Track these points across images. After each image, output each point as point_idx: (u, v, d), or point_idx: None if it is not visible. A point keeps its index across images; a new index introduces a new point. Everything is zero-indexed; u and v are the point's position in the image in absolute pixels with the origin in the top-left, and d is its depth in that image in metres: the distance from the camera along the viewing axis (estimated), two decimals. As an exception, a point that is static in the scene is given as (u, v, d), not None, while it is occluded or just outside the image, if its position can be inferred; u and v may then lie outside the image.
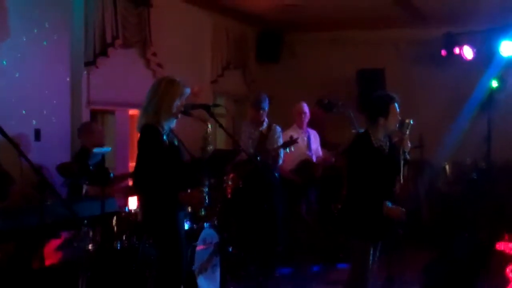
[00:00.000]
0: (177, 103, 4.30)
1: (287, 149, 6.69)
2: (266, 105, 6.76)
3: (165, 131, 4.28)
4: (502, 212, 8.43)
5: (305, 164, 7.24)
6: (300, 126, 7.34)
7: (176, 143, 4.37)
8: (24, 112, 5.70)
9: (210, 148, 4.50)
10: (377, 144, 4.54)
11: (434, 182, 9.00)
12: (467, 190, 8.72)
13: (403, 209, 4.51)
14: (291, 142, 6.65)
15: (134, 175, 4.38)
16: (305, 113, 7.36)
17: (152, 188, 4.18)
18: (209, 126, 4.53)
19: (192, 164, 4.42)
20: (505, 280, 6.39)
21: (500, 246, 7.91)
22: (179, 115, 4.36)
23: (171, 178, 4.17)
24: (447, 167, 9.18)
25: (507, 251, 7.76)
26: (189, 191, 4.31)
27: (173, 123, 4.36)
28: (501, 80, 8.97)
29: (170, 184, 4.16)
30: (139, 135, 4.33)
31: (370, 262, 4.57)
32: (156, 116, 4.24)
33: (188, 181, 4.29)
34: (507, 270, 6.78)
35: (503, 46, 8.72)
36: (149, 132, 4.21)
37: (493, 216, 8.18)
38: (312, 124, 7.62)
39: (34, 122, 5.84)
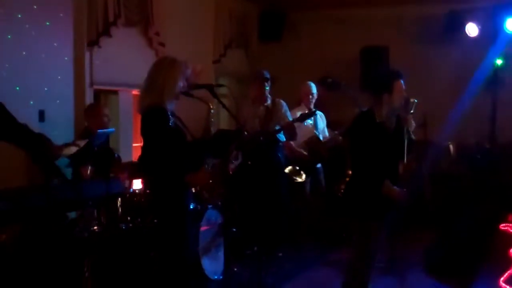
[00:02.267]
0: (180, 83, 4.26)
1: (305, 122, 6.69)
2: (268, 82, 6.71)
3: (169, 112, 4.24)
4: (506, 193, 8.44)
5: (313, 140, 7.21)
6: (308, 106, 7.30)
7: (179, 124, 4.34)
8: (27, 93, 5.69)
9: (213, 129, 4.47)
10: (380, 121, 4.52)
11: (438, 162, 8.99)
12: (471, 170, 8.72)
13: (404, 190, 4.49)
14: (309, 114, 6.63)
15: (141, 156, 4.34)
16: (313, 93, 7.31)
17: (161, 170, 4.15)
18: (212, 106, 4.48)
19: (194, 145, 4.39)
20: (509, 261, 6.42)
21: (504, 226, 7.96)
22: (180, 96, 4.32)
23: (178, 160, 4.15)
24: (450, 146, 9.17)
25: (510, 231, 7.81)
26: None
27: (173, 105, 4.31)
28: (506, 58, 8.92)
29: (178, 166, 4.14)
30: (142, 116, 4.27)
31: (374, 243, 4.57)
32: (160, 97, 4.18)
33: (193, 162, 4.27)
34: (511, 251, 6.82)
35: (508, 23, 8.66)
36: (157, 113, 4.14)
37: (496, 197, 8.19)
38: (316, 104, 7.59)
39: (38, 103, 5.83)
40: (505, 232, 7.79)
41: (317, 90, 7.47)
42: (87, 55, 6.47)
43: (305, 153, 7.04)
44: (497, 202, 8.12)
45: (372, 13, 9.67)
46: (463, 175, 8.67)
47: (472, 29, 9.01)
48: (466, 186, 8.38)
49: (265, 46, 10.25)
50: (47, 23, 5.93)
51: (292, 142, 6.93)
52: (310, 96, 7.27)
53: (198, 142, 4.37)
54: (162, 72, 4.21)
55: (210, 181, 4.55)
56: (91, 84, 6.55)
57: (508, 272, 6.00)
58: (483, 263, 6.18)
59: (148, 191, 4.93)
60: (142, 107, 4.22)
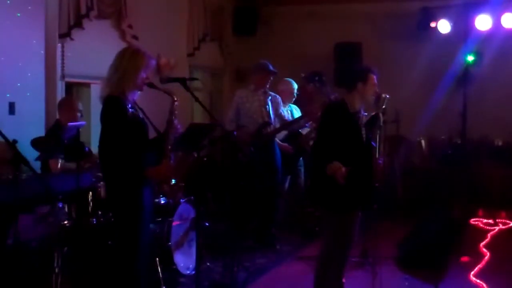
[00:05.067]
0: (142, 74, 4.18)
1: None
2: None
3: (129, 103, 4.15)
4: (476, 188, 8.55)
5: (294, 134, 7.24)
6: (287, 103, 7.31)
7: (140, 116, 4.25)
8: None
9: (176, 122, 4.39)
10: (353, 112, 4.54)
11: (410, 157, 9.08)
12: (442, 165, 8.82)
13: (343, 170, 4.40)
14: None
15: (99, 148, 4.23)
16: (296, 91, 7.32)
17: (117, 162, 4.07)
18: (176, 99, 4.39)
19: (158, 138, 4.32)
20: (479, 255, 6.50)
21: (475, 221, 8.05)
22: (144, 88, 4.24)
23: (136, 152, 4.06)
24: (422, 142, 9.27)
25: (481, 226, 7.91)
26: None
27: (136, 95, 4.24)
28: (477, 54, 9.04)
29: (135, 158, 4.05)
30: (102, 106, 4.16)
31: (346, 236, 4.56)
32: (120, 87, 4.09)
33: (154, 155, 4.19)
34: (481, 245, 6.91)
35: (479, 20, 8.76)
36: (113, 103, 4.04)
37: (467, 192, 8.29)
38: (304, 100, 7.58)
39: (8, 95, 5.74)
40: (476, 227, 7.90)
41: (307, 87, 7.51)
42: (59, 47, 6.39)
43: (290, 147, 7.07)
44: (468, 197, 8.22)
45: (346, 9, 9.72)
46: (435, 170, 8.76)
47: (444, 26, 9.10)
48: (437, 181, 8.46)
49: (239, 40, 10.22)
50: (18, 14, 5.83)
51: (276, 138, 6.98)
52: (294, 94, 7.27)
53: (160, 135, 4.30)
54: (123, 62, 4.13)
55: (172, 175, 4.45)
56: (63, 76, 6.47)
57: (479, 266, 6.09)
58: (454, 257, 6.24)
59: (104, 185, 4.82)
60: (101, 97, 4.15)
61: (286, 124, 6.99)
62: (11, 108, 5.77)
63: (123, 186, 4.07)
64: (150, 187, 4.35)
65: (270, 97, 6.83)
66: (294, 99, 7.33)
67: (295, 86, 7.29)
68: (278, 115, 6.92)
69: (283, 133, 7.14)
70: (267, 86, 6.82)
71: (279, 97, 6.98)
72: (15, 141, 3.66)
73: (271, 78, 6.81)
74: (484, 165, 8.85)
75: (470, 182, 8.46)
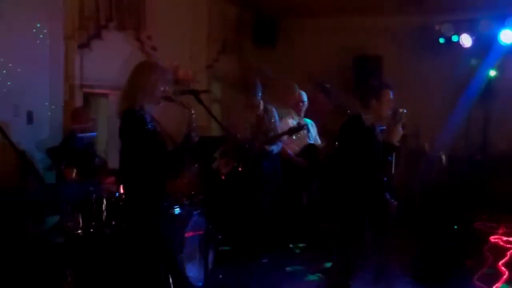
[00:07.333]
0: (160, 88, 4.19)
1: (294, 136, 6.70)
2: (260, 89, 6.67)
3: (147, 117, 4.16)
4: (497, 204, 8.40)
5: (310, 148, 7.18)
6: (299, 114, 7.26)
7: (158, 129, 4.26)
8: (16, 94, 5.64)
9: (194, 134, 4.39)
10: (368, 124, 4.50)
11: (429, 172, 8.97)
12: (462, 181, 8.69)
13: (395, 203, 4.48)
14: (299, 128, 6.60)
15: (120, 163, 4.24)
16: (303, 101, 7.26)
17: (138, 176, 4.07)
18: (193, 111, 4.39)
19: (176, 152, 4.31)
20: (483, 259, 6.36)
21: (494, 239, 7.92)
22: (161, 101, 4.24)
23: (157, 166, 4.07)
24: (443, 157, 9.15)
25: (501, 244, 7.78)
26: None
27: (154, 109, 4.24)
28: (499, 69, 8.93)
29: (156, 172, 4.06)
30: (120, 120, 4.16)
31: (358, 250, 4.52)
32: (139, 101, 4.10)
33: (173, 168, 4.19)
34: (500, 263, 6.78)
35: (502, 34, 8.67)
36: (133, 117, 4.07)
37: (487, 208, 8.15)
38: (314, 111, 7.51)
39: (26, 105, 5.77)
40: (496, 244, 7.76)
41: (316, 96, 7.45)
42: (77, 57, 6.43)
43: (304, 160, 7.00)
44: (488, 214, 8.08)
45: (366, 22, 9.65)
46: (454, 185, 8.63)
47: (466, 40, 9.02)
48: (457, 197, 8.34)
49: (259, 52, 10.22)
50: (38, 25, 5.89)
51: (290, 151, 6.90)
52: (301, 104, 7.22)
53: (177, 149, 4.30)
54: (141, 76, 4.15)
55: (190, 188, 4.46)
56: (81, 87, 6.51)
57: (496, 285, 5.97)
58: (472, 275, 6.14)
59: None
60: (119, 111, 4.15)
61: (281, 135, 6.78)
62: (29, 118, 5.82)
63: (143, 199, 4.08)
64: (169, 200, 4.37)
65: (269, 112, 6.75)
66: (302, 109, 7.26)
67: (303, 97, 7.23)
68: None
69: (297, 147, 7.07)
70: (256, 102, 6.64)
71: (273, 109, 6.78)
72: (24, 151, 3.68)
73: (256, 95, 6.60)
74: (505, 182, 8.71)
75: (490, 199, 8.33)
